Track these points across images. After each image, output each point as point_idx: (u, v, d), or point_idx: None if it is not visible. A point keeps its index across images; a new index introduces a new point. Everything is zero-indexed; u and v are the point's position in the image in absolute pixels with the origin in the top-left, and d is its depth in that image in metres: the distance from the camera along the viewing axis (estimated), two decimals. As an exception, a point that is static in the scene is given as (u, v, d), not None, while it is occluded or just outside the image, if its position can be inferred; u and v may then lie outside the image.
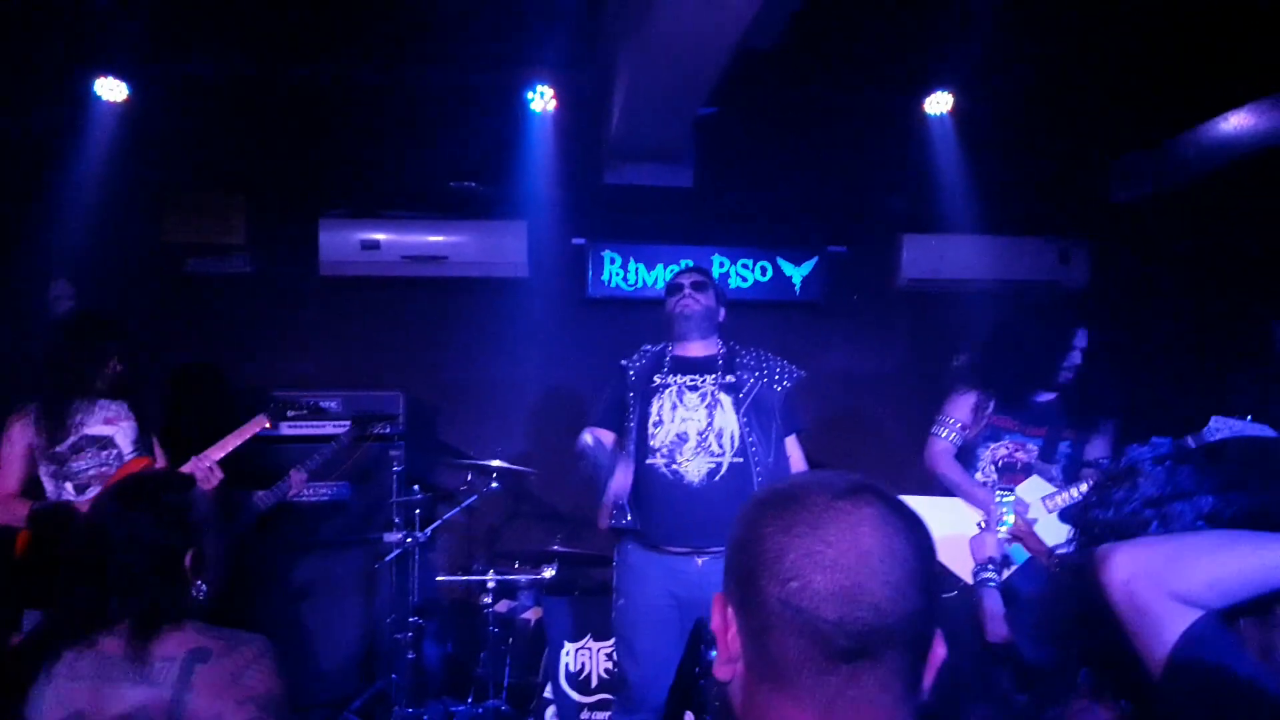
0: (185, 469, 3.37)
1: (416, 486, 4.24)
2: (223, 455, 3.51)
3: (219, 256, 5.08)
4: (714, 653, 1.06)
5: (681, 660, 2.91)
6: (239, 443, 3.57)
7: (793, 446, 3.42)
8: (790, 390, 3.40)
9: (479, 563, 4.54)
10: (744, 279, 5.30)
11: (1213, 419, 3.08)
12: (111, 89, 4.43)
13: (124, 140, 4.54)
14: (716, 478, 3.20)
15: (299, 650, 4.27)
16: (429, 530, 4.24)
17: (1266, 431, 2.83)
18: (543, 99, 4.71)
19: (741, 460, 3.24)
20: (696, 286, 3.44)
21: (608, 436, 3.37)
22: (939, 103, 4.72)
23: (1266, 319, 4.08)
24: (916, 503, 1.04)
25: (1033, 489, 3.32)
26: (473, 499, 4.26)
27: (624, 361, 3.53)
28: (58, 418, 3.40)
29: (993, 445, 3.52)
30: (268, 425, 3.68)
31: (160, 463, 3.49)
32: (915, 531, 0.99)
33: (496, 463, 4.19)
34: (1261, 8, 3.56)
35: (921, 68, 4.58)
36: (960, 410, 3.59)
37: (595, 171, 5.11)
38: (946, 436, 3.58)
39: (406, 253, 4.99)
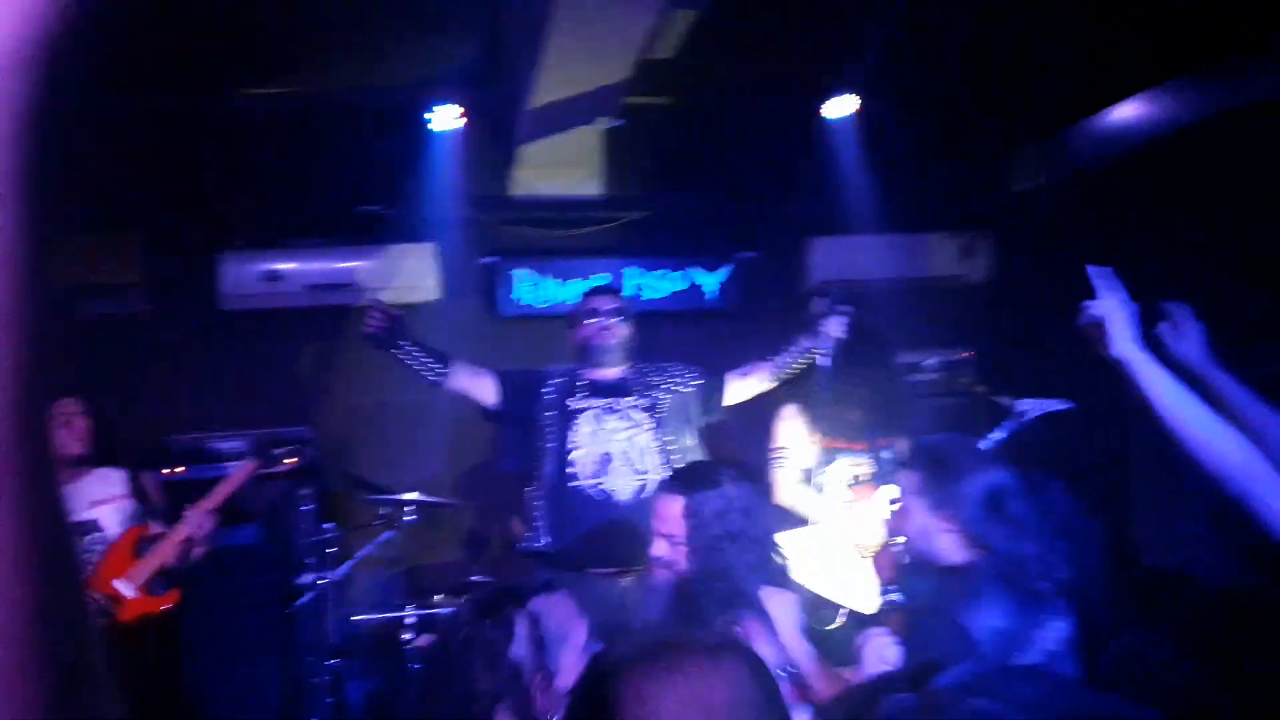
0: (186, 525, 3.30)
1: (328, 524, 4.09)
2: (214, 505, 3.40)
3: (112, 297, 4.87)
4: None
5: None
6: (230, 490, 3.47)
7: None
8: (699, 387, 3.44)
9: (398, 598, 4.41)
10: (658, 290, 5.27)
11: (1019, 401, 3.19)
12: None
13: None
14: (644, 494, 3.18)
15: (213, 708, 4.08)
16: (344, 568, 4.10)
17: (1063, 404, 3.16)
18: (446, 117, 4.63)
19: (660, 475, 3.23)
20: (613, 314, 3.40)
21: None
22: (840, 106, 4.76)
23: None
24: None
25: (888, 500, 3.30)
26: (389, 534, 4.13)
27: (541, 369, 3.51)
28: None
29: (830, 467, 3.44)
30: (255, 468, 3.62)
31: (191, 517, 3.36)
32: None
33: (412, 495, 4.07)
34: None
35: (821, 72, 4.62)
36: (786, 438, 3.53)
37: (502, 188, 5.04)
38: (784, 465, 3.49)
39: (311, 282, 4.86)
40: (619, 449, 3.27)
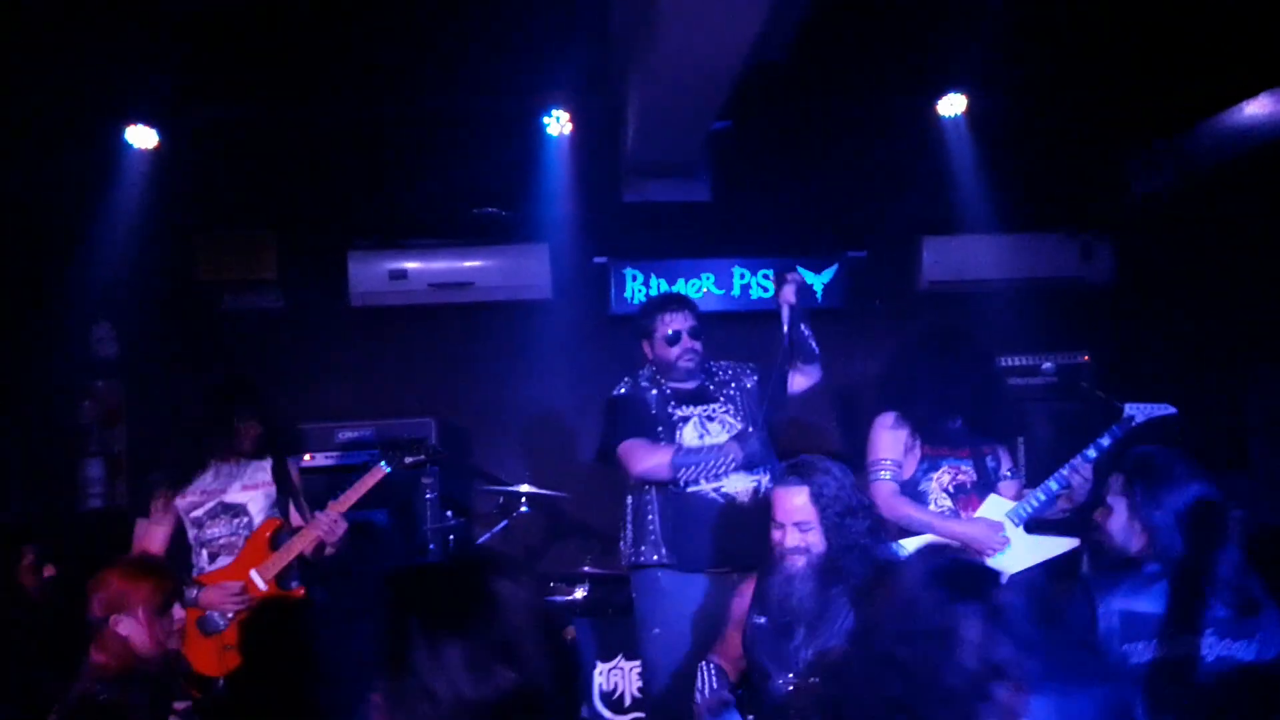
0: (317, 526, 3.37)
1: (450, 512, 4.31)
2: (346, 508, 3.45)
3: (252, 292, 5.21)
4: None
5: None
6: (363, 493, 3.50)
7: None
8: (757, 382, 3.48)
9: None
10: (765, 289, 5.31)
11: (1126, 405, 3.15)
12: (142, 136, 4.58)
13: (156, 184, 4.71)
14: (760, 495, 3.27)
15: (344, 678, 4.34)
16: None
17: (1168, 410, 3.21)
18: (558, 123, 4.79)
19: (768, 475, 3.31)
20: (695, 334, 3.43)
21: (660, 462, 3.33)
22: (953, 104, 4.72)
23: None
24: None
25: (996, 508, 3.22)
26: (504, 523, 4.33)
27: (622, 390, 3.52)
28: (192, 480, 3.45)
29: (934, 474, 3.30)
30: (388, 472, 3.57)
31: (296, 522, 3.46)
32: None
33: (526, 488, 4.26)
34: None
35: (933, 70, 4.59)
36: (887, 448, 3.33)
37: (613, 190, 5.18)
38: (888, 477, 3.29)
39: (433, 280, 5.09)
40: None
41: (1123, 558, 2.39)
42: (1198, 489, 2.34)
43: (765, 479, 3.30)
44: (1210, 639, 2.24)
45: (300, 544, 3.39)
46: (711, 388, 3.49)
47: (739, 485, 3.31)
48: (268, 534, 3.45)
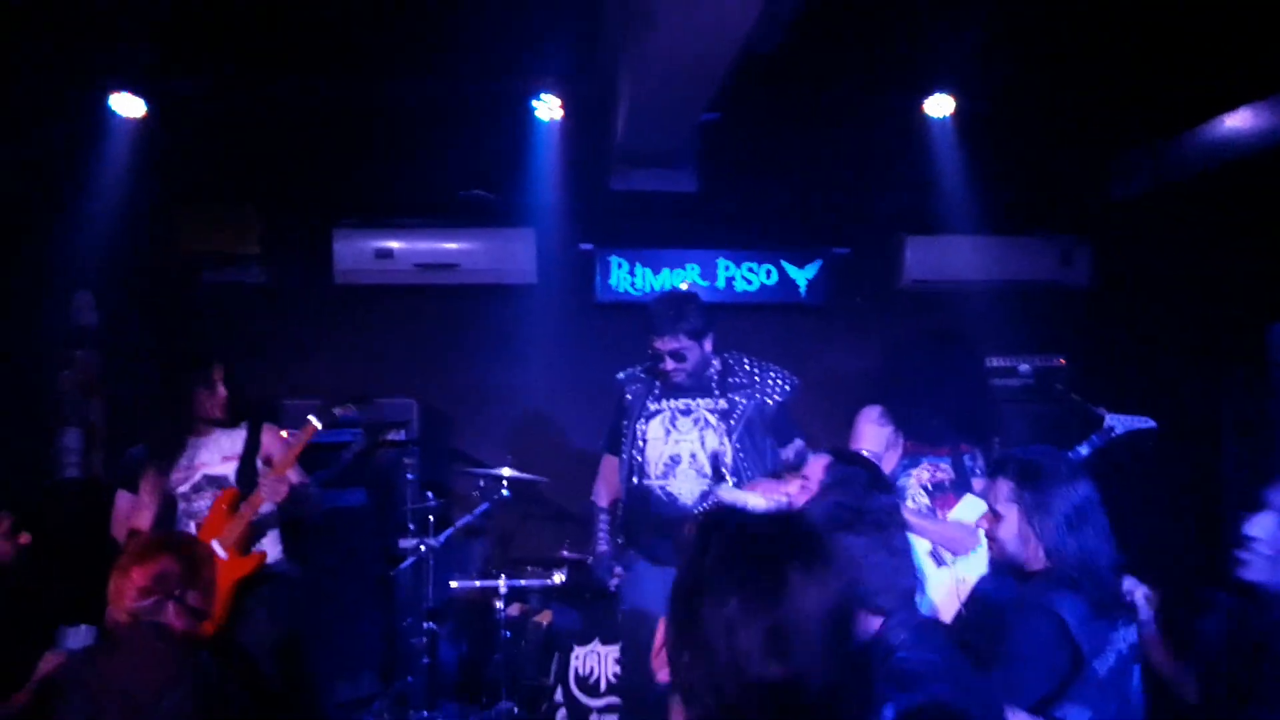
0: (260, 490, 3.42)
1: (430, 493, 4.33)
2: (285, 470, 3.50)
3: (235, 267, 5.18)
4: None
5: None
6: (298, 451, 3.54)
7: (791, 450, 3.48)
8: (784, 404, 3.45)
9: (492, 567, 4.64)
10: (749, 282, 5.36)
11: (1107, 415, 3.19)
12: (128, 105, 4.53)
13: (141, 154, 4.65)
14: (708, 499, 3.31)
15: (321, 652, 4.37)
16: (443, 536, 4.33)
17: (1148, 423, 3.23)
18: (548, 107, 4.78)
19: (735, 481, 3.33)
20: (677, 356, 3.38)
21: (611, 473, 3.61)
22: (940, 104, 4.75)
23: (1260, 323, 4.11)
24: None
25: (972, 508, 3.22)
26: (485, 506, 4.35)
27: (621, 376, 3.61)
28: (177, 457, 3.51)
29: (914, 471, 3.36)
30: (319, 428, 3.61)
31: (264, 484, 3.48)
32: None
33: (507, 471, 4.28)
34: (1262, 7, 3.58)
35: (921, 69, 4.62)
36: (869, 441, 3.39)
37: (601, 177, 5.18)
38: None
39: (419, 261, 5.09)
40: (688, 450, 3.39)
41: (1016, 566, 2.33)
42: (1085, 489, 2.30)
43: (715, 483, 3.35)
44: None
45: (249, 510, 3.43)
46: (713, 381, 3.45)
47: (684, 486, 3.37)
48: (225, 504, 3.48)
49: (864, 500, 1.96)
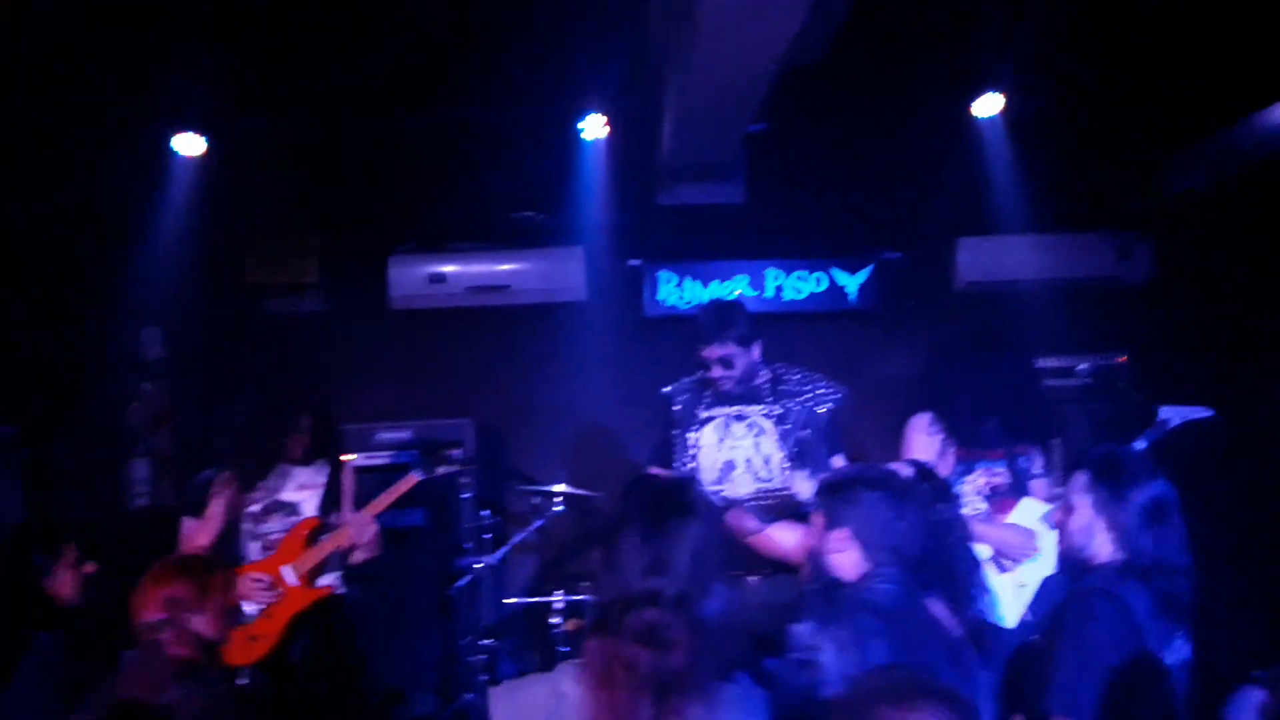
0: (349, 527, 3.46)
1: (486, 511, 4.37)
2: (378, 512, 3.54)
3: (295, 296, 5.32)
4: None
5: None
6: (395, 498, 3.59)
7: (838, 462, 3.44)
8: (833, 412, 3.41)
9: (547, 583, 4.66)
10: (799, 291, 5.33)
11: (1161, 408, 3.09)
12: (189, 143, 4.70)
13: (203, 190, 4.82)
14: (765, 502, 3.26)
15: (380, 672, 4.42)
16: (500, 553, 4.37)
17: (1205, 412, 3.15)
18: (594, 126, 4.84)
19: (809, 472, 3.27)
20: (725, 362, 3.36)
21: None
22: (988, 104, 4.70)
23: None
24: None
25: (1030, 512, 3.19)
26: (540, 522, 4.38)
27: (667, 390, 3.59)
28: (254, 481, 3.60)
29: (969, 478, 3.34)
30: (419, 480, 3.66)
31: (346, 516, 3.55)
32: None
33: (560, 487, 4.30)
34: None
35: (969, 70, 4.58)
36: (921, 451, 3.32)
37: (648, 193, 5.23)
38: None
39: (471, 284, 5.17)
40: (743, 455, 3.37)
41: (1081, 560, 2.29)
42: (1164, 487, 2.26)
43: (776, 484, 3.30)
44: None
45: (332, 544, 3.49)
46: (764, 388, 3.43)
47: (742, 490, 3.32)
48: (305, 532, 3.54)
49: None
